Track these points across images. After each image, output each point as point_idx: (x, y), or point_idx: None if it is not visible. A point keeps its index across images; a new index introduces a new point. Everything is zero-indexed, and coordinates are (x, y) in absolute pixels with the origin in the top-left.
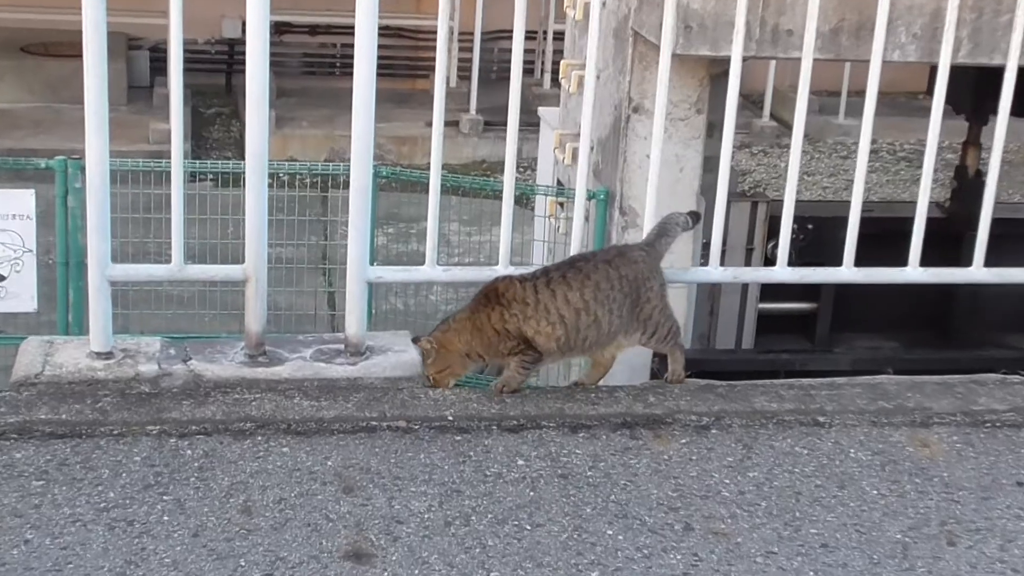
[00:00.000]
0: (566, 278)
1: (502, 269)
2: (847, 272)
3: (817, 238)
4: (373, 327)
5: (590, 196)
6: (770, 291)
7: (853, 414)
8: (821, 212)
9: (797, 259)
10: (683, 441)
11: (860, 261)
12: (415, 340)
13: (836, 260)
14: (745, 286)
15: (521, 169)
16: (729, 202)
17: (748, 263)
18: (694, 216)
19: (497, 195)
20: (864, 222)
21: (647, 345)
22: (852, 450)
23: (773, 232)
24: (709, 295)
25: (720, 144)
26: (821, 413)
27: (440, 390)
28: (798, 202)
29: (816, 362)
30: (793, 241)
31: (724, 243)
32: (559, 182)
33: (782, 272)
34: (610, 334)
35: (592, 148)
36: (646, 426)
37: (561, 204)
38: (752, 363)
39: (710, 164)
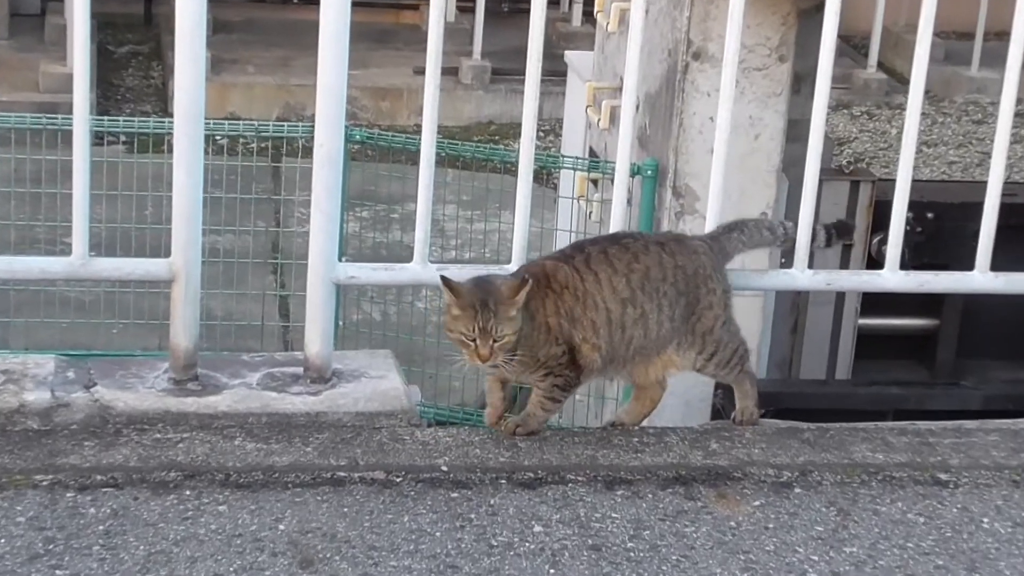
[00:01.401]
0: (608, 256)
1: (515, 269)
2: (980, 278)
3: (940, 232)
4: (341, 344)
5: (634, 171)
6: (875, 303)
7: (987, 470)
8: (946, 196)
9: (912, 260)
10: (756, 503)
11: (998, 263)
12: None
13: (966, 262)
14: (840, 296)
15: (541, 134)
16: (821, 182)
17: (845, 265)
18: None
19: (509, 168)
20: (1005, 210)
21: (705, 371)
22: (985, 519)
23: (880, 223)
24: (792, 307)
25: (810, 103)
26: (944, 468)
27: (431, 430)
28: (915, 182)
29: (937, 399)
30: (908, 235)
31: (814, 238)
32: (592, 152)
33: (892, 277)
34: (659, 340)
35: (637, 107)
36: (707, 482)
37: (594, 182)
38: (849, 399)
39: (795, 130)
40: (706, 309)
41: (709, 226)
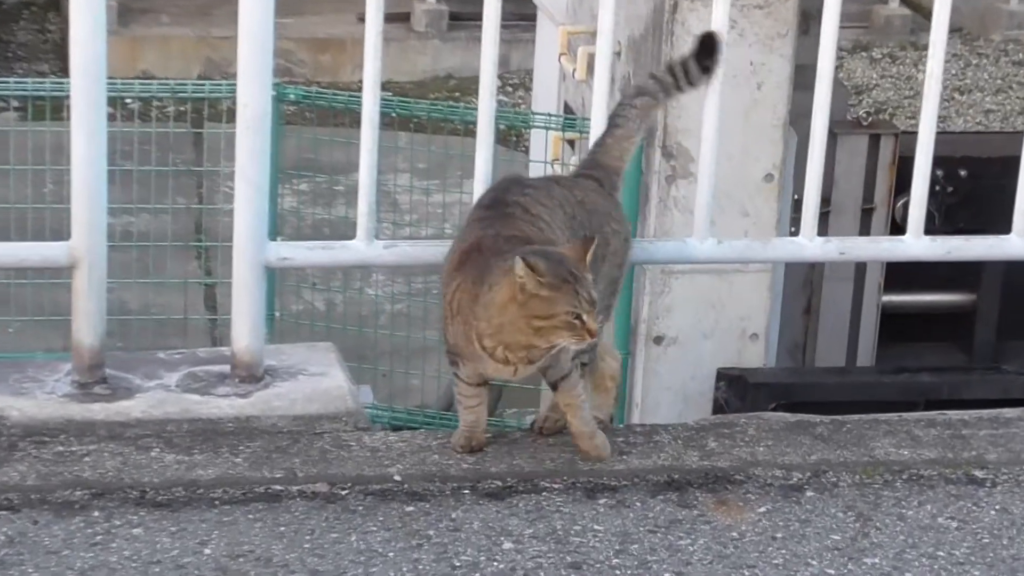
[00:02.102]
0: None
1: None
2: (1019, 243)
3: (976, 191)
4: (278, 338)
5: None
6: (901, 277)
7: None
8: (982, 150)
9: (944, 225)
10: (761, 510)
11: None
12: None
13: (1006, 226)
14: (860, 269)
15: (509, 89)
16: (835, 136)
17: (865, 231)
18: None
19: (471, 130)
20: None
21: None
22: None
23: (905, 182)
24: (805, 284)
25: (819, 44)
26: (980, 464)
27: (381, 435)
28: (945, 134)
29: (975, 387)
30: (937, 196)
31: (827, 201)
32: (567, 108)
33: (915, 244)
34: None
35: (619, 53)
36: (704, 487)
37: (571, 142)
38: (873, 389)
39: (805, 77)
40: (613, 255)
41: (703, 193)
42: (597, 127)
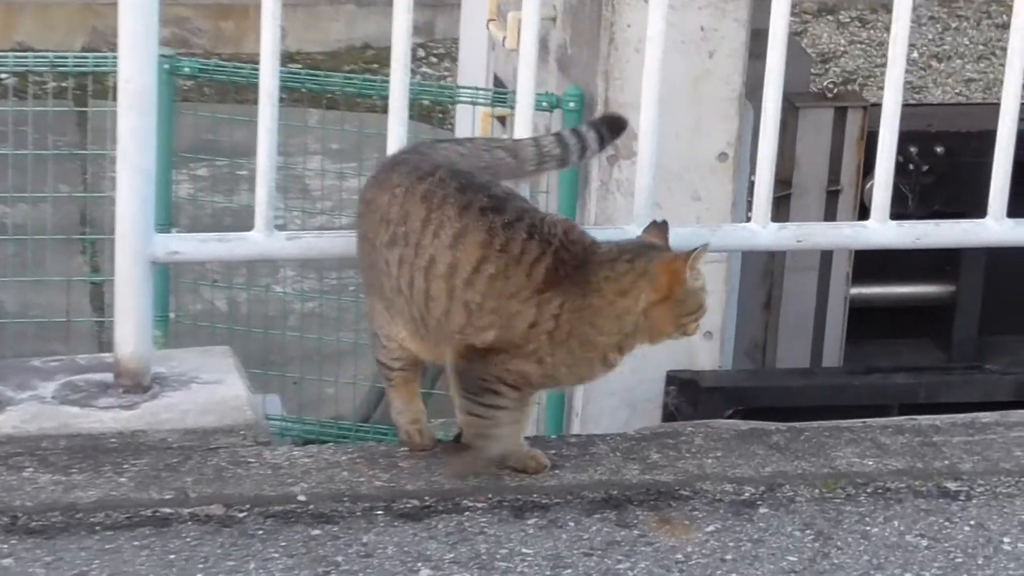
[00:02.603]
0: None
1: None
2: (995, 227)
3: (955, 170)
4: (174, 342)
5: (551, 103)
6: (872, 266)
7: (1009, 476)
8: (962, 123)
9: (920, 208)
10: (710, 529)
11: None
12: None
13: (987, 208)
14: (826, 259)
15: (434, 59)
16: (797, 109)
17: (831, 216)
18: (600, 128)
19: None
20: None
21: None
22: (1007, 539)
23: (875, 161)
24: (764, 275)
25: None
26: (953, 475)
27: (284, 450)
28: (920, 106)
29: (955, 388)
30: (911, 176)
31: (787, 183)
32: (497, 81)
33: (880, 230)
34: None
35: (555, 19)
36: (645, 504)
37: (502, 119)
38: (841, 392)
39: (762, 44)
40: None
41: (643, 175)
42: (524, 104)
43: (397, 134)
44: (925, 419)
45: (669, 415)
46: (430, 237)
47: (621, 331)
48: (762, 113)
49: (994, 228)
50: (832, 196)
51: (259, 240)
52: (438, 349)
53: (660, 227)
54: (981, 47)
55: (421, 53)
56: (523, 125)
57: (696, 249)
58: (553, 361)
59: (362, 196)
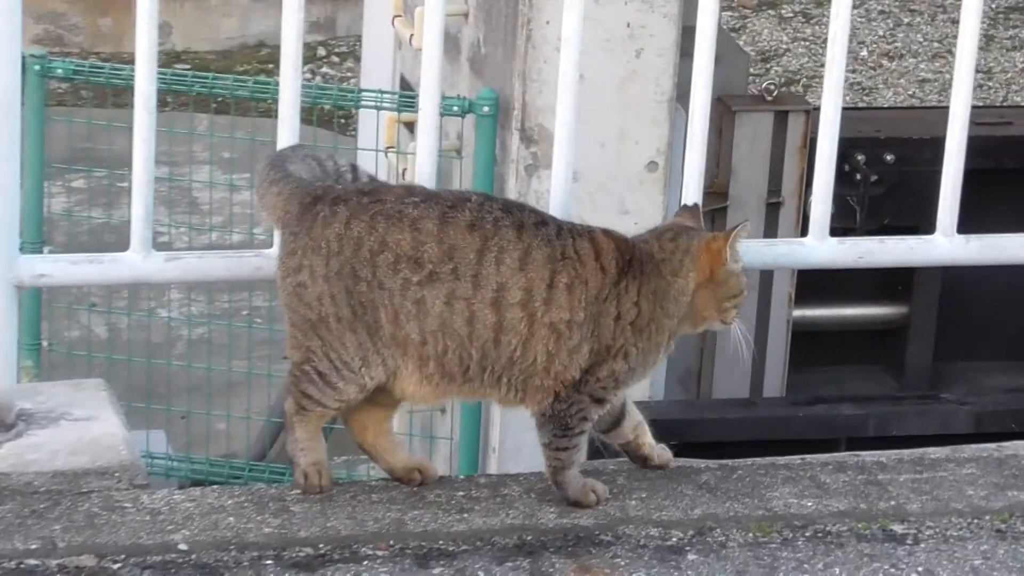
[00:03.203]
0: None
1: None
2: (944, 244)
3: (906, 180)
4: (48, 374)
5: (463, 108)
6: (816, 286)
7: (961, 517)
8: (914, 129)
9: (867, 221)
10: None
11: (976, 223)
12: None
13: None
14: (767, 278)
15: (335, 58)
16: (732, 114)
17: (772, 231)
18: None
19: None
20: (984, 146)
21: None
22: None
23: None
24: None
25: None
26: (899, 517)
27: (164, 494)
28: (868, 110)
29: (908, 420)
30: (858, 186)
31: (723, 195)
32: (404, 82)
33: (820, 248)
34: None
35: (466, 15)
36: (562, 550)
37: (409, 125)
38: (783, 425)
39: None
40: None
41: (559, 188)
42: (429, 109)
43: (287, 143)
44: (869, 455)
45: (595, 451)
46: (492, 265)
47: (679, 312)
48: (689, 118)
49: (944, 245)
50: (772, 209)
51: (135, 262)
52: (483, 393)
53: (692, 210)
54: (936, 44)
55: (322, 52)
56: (428, 132)
57: (735, 228)
58: (636, 351)
59: (322, 234)
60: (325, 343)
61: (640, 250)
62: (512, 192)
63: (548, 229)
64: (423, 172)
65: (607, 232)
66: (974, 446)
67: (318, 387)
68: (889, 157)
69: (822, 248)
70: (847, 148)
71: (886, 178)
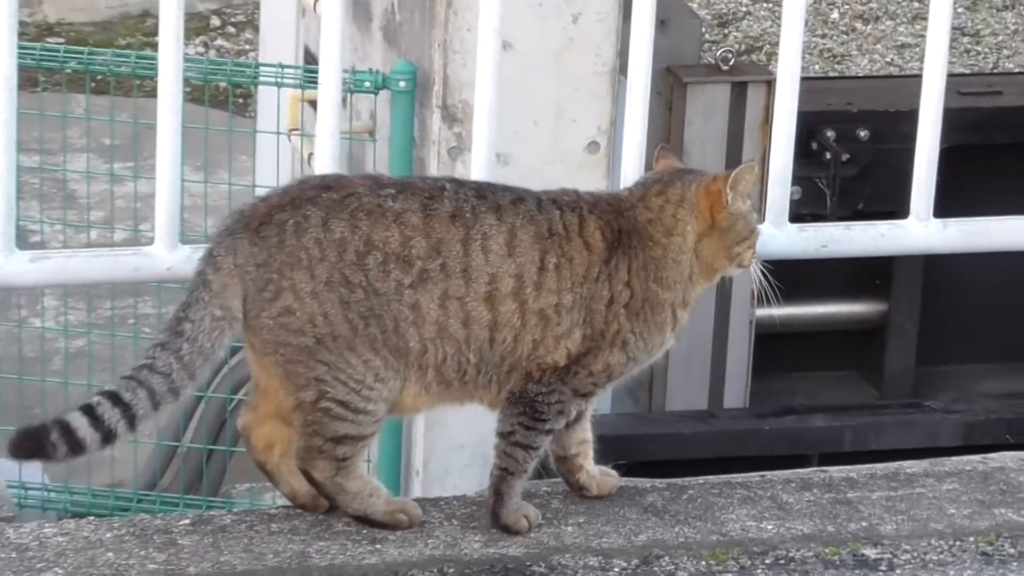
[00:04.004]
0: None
1: (164, 252)
2: (919, 230)
3: (881, 159)
4: None
5: (375, 83)
6: (782, 281)
7: (940, 539)
8: (891, 101)
9: (840, 206)
10: None
11: (968, 205)
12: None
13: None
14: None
15: (231, 28)
16: (684, 86)
17: None
18: None
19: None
20: (970, 119)
21: None
22: None
23: None
24: None
25: None
26: (872, 539)
27: (32, 527)
28: (838, 80)
29: (888, 432)
30: (828, 166)
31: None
32: (309, 55)
33: (779, 237)
34: None
35: None
36: None
37: (314, 104)
38: (746, 440)
39: None
40: None
41: (480, 171)
42: (329, 84)
43: (169, 125)
44: (837, 471)
45: (535, 472)
46: (480, 255)
47: (682, 277)
48: (627, 90)
49: (918, 232)
50: None
51: None
52: (473, 396)
53: (671, 150)
54: (917, 5)
55: (216, 22)
56: (329, 111)
57: (738, 168)
58: (634, 339)
59: (298, 244)
60: (332, 367)
61: (626, 217)
62: (431, 174)
63: (527, 204)
64: (325, 158)
65: (593, 199)
66: (956, 459)
67: (348, 420)
68: (863, 133)
69: (779, 236)
70: (815, 123)
71: (859, 157)
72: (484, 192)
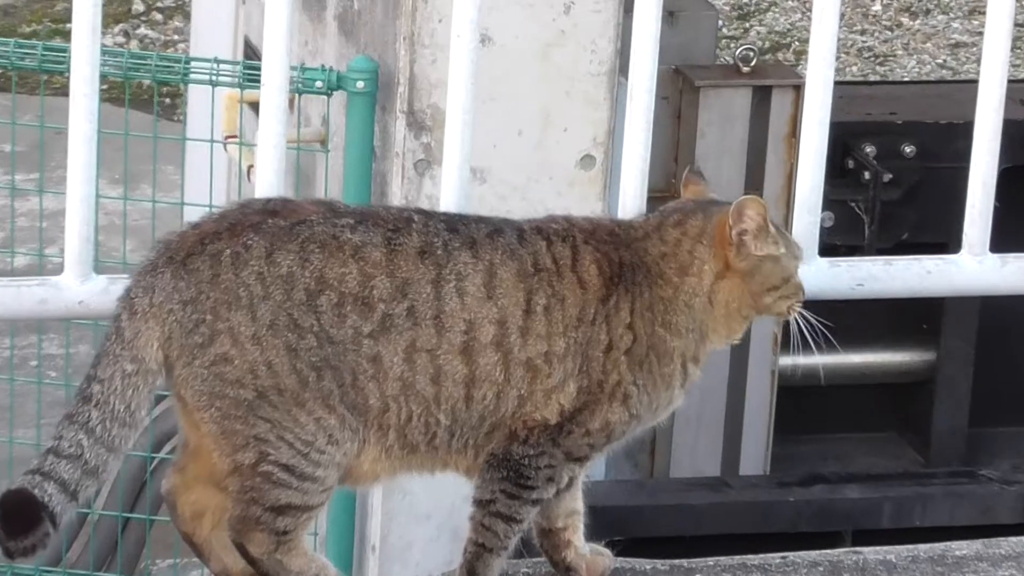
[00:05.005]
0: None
1: (76, 283)
2: (972, 266)
3: (930, 180)
4: None
5: (326, 83)
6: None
7: None
8: (943, 111)
9: (880, 235)
10: None
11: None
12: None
13: None
14: None
15: (158, 15)
16: (696, 91)
17: None
18: None
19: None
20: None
21: None
22: None
23: None
24: None
25: None
26: None
27: None
28: (879, 85)
29: (935, 506)
30: (867, 188)
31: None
32: (251, 48)
33: (808, 272)
34: None
35: None
36: None
37: (255, 106)
38: (766, 514)
39: None
40: None
41: (450, 189)
42: (273, 84)
43: (82, 131)
44: (873, 552)
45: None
46: (454, 299)
47: (694, 324)
48: (628, 95)
49: (971, 268)
50: None
51: None
52: (446, 463)
53: (700, 175)
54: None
55: (139, 7)
56: (273, 116)
57: (739, 200)
58: (637, 392)
59: (236, 279)
60: (276, 425)
61: (633, 249)
62: (397, 198)
63: (506, 237)
64: (267, 171)
65: (590, 226)
66: (1014, 539)
67: (292, 487)
68: (909, 149)
69: (807, 272)
70: (852, 137)
71: (904, 178)
72: (456, 225)
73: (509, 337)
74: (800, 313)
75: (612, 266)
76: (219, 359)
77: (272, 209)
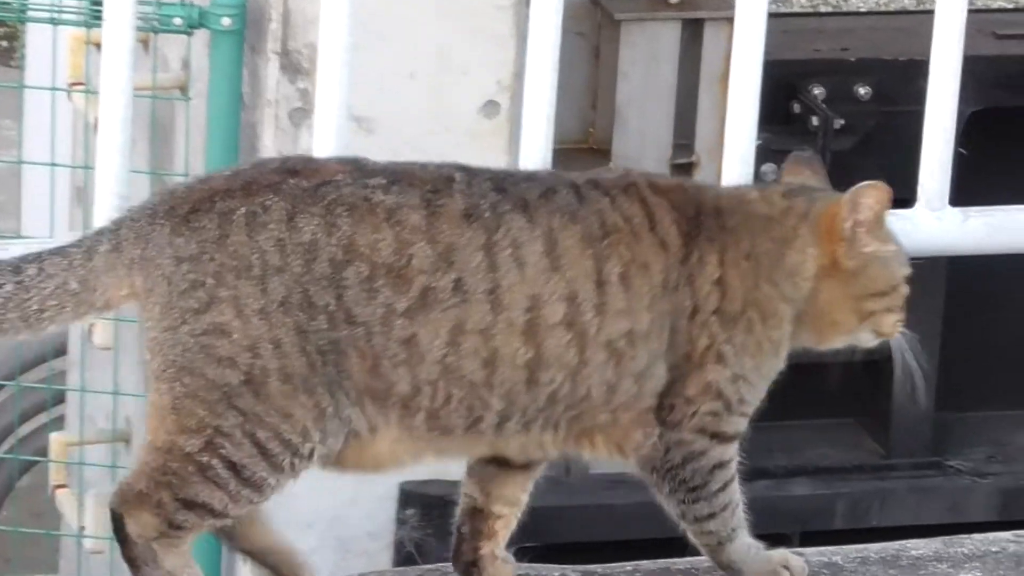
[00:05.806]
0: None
1: None
2: (930, 222)
3: (888, 128)
4: None
5: (185, 20)
6: None
7: None
8: (902, 47)
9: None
10: None
11: (998, 192)
12: None
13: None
14: None
15: None
16: (616, 25)
17: None
18: None
19: None
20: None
21: None
22: None
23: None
24: None
25: None
26: None
27: None
28: (828, 17)
29: (896, 502)
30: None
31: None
32: None
33: None
34: None
35: None
36: None
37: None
38: None
39: None
40: None
41: (326, 139)
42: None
43: None
44: (815, 552)
45: (406, 557)
46: (512, 270)
47: (797, 294)
48: (530, 29)
49: (929, 225)
50: (681, 173)
51: None
52: (478, 448)
53: (809, 161)
54: None
55: None
56: (119, 58)
57: (857, 186)
58: (735, 351)
59: (249, 243)
60: (249, 418)
61: (715, 200)
62: (270, 151)
63: (562, 195)
64: (112, 122)
65: (649, 177)
66: (979, 536)
67: (225, 488)
68: (863, 90)
69: None
70: (798, 77)
71: (858, 123)
72: (503, 183)
73: (582, 317)
74: (901, 337)
75: (688, 221)
76: (213, 329)
77: (291, 168)
